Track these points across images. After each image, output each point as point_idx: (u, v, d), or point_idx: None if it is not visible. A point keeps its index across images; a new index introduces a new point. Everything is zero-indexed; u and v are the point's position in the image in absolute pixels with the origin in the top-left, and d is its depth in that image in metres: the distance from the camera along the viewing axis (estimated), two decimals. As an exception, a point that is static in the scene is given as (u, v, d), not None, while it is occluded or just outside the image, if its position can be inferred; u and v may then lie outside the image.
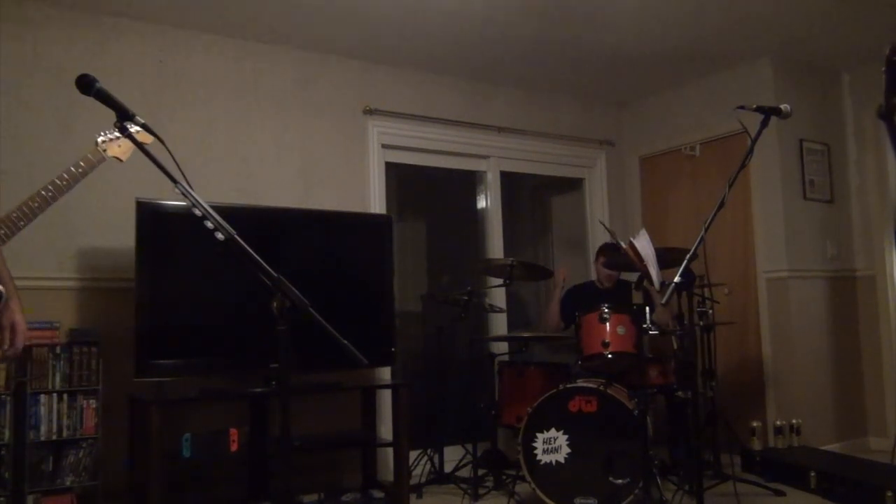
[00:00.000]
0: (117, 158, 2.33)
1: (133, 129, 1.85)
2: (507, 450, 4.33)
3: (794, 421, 4.38)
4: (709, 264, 3.19)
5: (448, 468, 4.33)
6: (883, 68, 2.26)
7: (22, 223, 2.00)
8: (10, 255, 2.20)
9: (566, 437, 3.45)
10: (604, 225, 4.77)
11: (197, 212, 1.71)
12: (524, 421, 3.53)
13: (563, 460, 3.44)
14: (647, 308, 3.61)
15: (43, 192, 2.09)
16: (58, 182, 2.12)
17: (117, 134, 2.21)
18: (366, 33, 4.18)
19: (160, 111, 3.86)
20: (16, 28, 3.57)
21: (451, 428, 4.45)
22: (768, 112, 2.53)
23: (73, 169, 2.16)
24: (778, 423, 4.40)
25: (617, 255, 4.37)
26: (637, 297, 4.30)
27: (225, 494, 3.67)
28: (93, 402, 3.32)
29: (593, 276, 4.74)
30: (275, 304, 1.68)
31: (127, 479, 3.46)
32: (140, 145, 1.81)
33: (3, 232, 1.95)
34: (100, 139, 2.29)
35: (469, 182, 5.23)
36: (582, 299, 4.37)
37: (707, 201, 4.95)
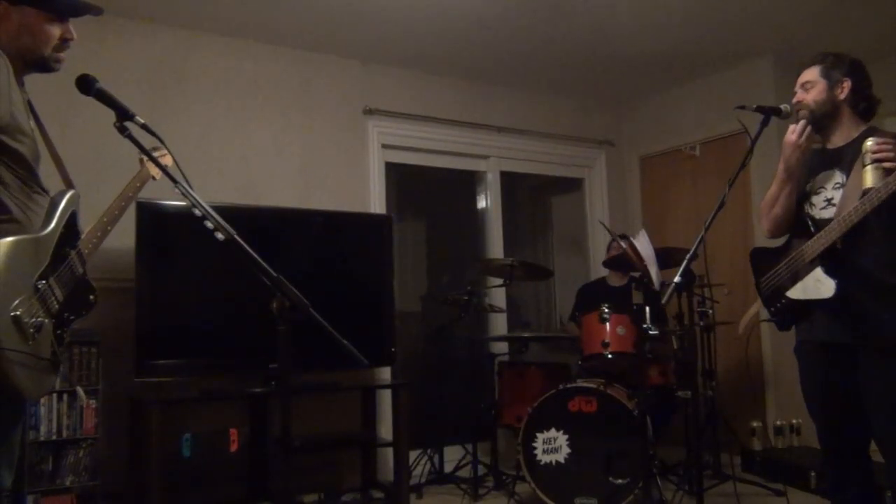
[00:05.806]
0: (153, 178, 2.46)
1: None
2: (507, 450, 4.33)
3: (794, 421, 4.38)
4: (709, 264, 3.19)
5: (448, 468, 4.33)
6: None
7: (100, 233, 2.07)
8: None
9: (566, 437, 3.45)
10: (604, 225, 4.76)
11: (197, 212, 1.71)
12: (524, 421, 3.53)
13: (563, 460, 3.44)
14: (647, 308, 3.60)
15: (117, 212, 2.17)
16: (128, 196, 2.25)
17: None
18: (366, 33, 4.17)
19: (160, 111, 3.85)
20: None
21: (451, 428, 4.45)
22: (768, 112, 2.52)
23: (136, 184, 2.35)
24: (778, 423, 4.39)
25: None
26: (637, 297, 4.30)
27: (225, 494, 3.66)
28: (93, 402, 3.32)
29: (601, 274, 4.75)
30: (275, 304, 1.68)
31: (127, 479, 3.46)
32: (139, 144, 1.80)
33: (92, 245, 2.00)
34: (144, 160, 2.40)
35: (469, 182, 5.22)
36: (591, 298, 4.35)
37: (707, 201, 4.93)
